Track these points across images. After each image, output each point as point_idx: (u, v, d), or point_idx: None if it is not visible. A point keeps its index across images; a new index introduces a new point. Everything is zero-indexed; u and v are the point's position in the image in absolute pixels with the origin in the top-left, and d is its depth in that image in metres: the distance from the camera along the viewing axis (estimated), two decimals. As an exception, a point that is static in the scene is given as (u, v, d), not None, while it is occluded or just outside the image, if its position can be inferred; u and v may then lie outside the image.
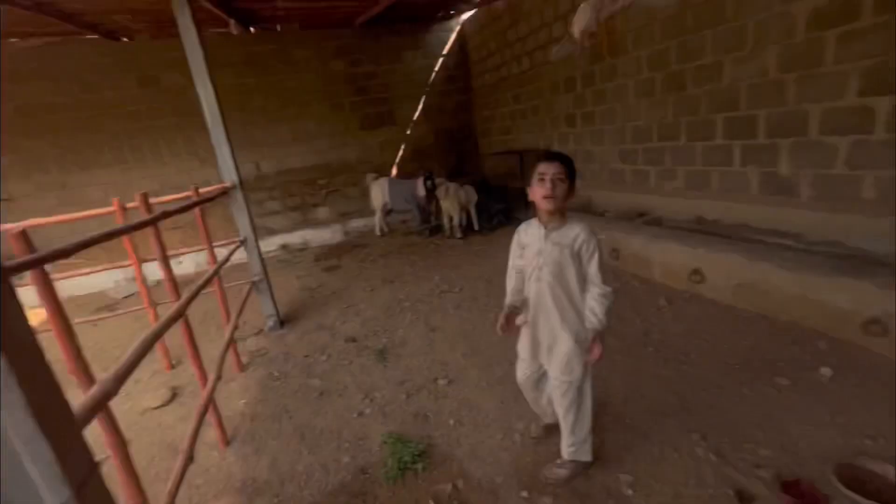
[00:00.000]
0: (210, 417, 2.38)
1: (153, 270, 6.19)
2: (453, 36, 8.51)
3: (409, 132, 8.64)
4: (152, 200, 3.63)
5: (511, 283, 1.94)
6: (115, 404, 2.98)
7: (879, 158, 2.98)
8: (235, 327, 3.01)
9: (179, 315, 1.92)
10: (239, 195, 3.66)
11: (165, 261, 2.10)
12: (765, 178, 3.75)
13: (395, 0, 5.83)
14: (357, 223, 7.45)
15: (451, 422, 2.41)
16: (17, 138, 6.46)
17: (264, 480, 2.16)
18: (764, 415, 2.11)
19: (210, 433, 2.48)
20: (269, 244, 6.99)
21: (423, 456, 2.15)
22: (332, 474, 2.15)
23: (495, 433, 2.27)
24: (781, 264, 2.82)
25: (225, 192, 3.60)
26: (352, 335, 3.68)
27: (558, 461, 1.94)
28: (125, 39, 6.73)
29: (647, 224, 4.41)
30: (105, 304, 5.62)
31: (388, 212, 7.34)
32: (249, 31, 7.13)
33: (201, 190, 3.25)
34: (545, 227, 1.79)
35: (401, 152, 8.68)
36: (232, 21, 5.92)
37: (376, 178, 7.22)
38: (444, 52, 8.53)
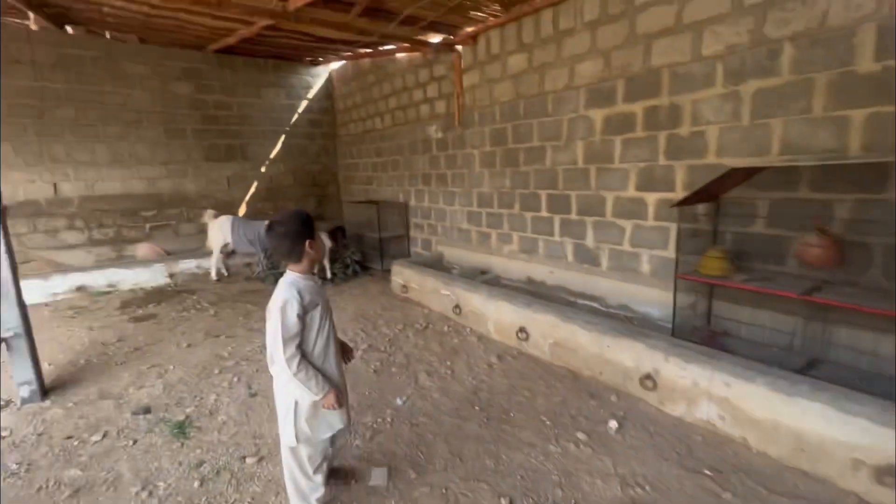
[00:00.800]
0: None
1: None
2: (321, 82, 8.47)
3: (263, 170, 8.08)
4: None
5: (314, 348, 1.77)
6: None
7: (651, 240, 3.73)
8: (-53, 405, 2.17)
9: None
10: (-6, 224, 2.82)
11: None
12: (577, 249, 4.39)
13: (251, 35, 5.54)
14: (188, 264, 6.46)
15: (252, 512, 2.04)
16: None
17: None
18: (564, 471, 2.27)
19: None
20: (59, 285, 5.56)
21: (202, 565, 1.74)
22: None
23: (302, 522, 1.98)
24: (584, 325, 3.23)
25: (-29, 219, 2.73)
26: (146, 405, 3.00)
27: None
28: None
29: (486, 283, 4.73)
30: None
31: (229, 253, 6.56)
32: (65, 29, 6.00)
33: None
34: (316, 281, 1.87)
35: (252, 190, 8.02)
36: (33, 15, 4.89)
37: (217, 216, 6.45)
38: (310, 95, 8.39)
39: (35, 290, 5.30)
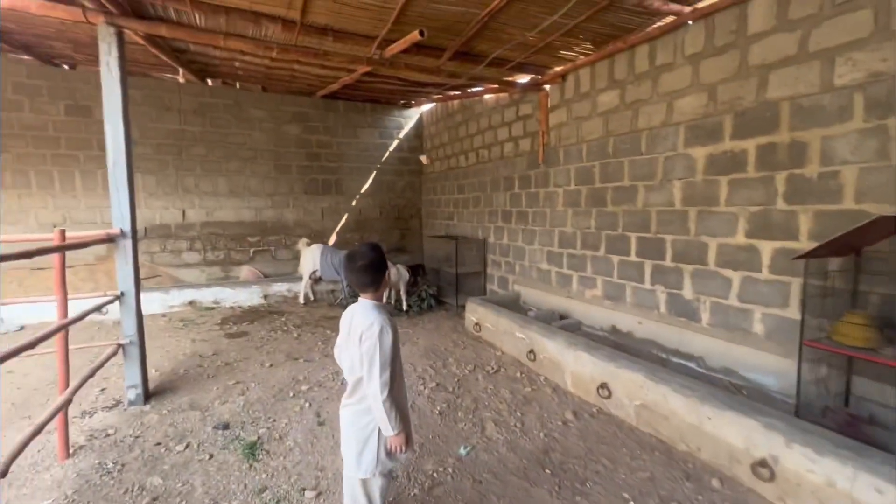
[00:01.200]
0: (-23, 528, 1.80)
1: (34, 313, 5.32)
2: (412, 122, 8.96)
3: (354, 203, 8.62)
4: (19, 237, 3.15)
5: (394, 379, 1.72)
6: None
7: (765, 295, 3.20)
8: (67, 402, 2.46)
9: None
10: (126, 244, 3.26)
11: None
12: (671, 299, 3.93)
13: (352, 82, 6.05)
14: (280, 287, 6.99)
15: (302, 553, 1.98)
16: None
17: None
18: (650, 569, 1.89)
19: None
20: (175, 299, 6.31)
21: None
22: None
23: (349, 574, 1.86)
24: (680, 389, 2.80)
25: (111, 240, 3.19)
26: (226, 420, 3.17)
27: None
28: (65, 66, 6.43)
29: (565, 329, 4.40)
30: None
31: (317, 280, 6.98)
32: (206, 82, 7.10)
33: (96, 233, 2.86)
34: (390, 311, 1.90)
35: (343, 221, 8.56)
36: (182, 70, 5.85)
37: (310, 244, 6.95)
38: (401, 135, 8.90)
39: (156, 302, 6.07)
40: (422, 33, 3.49)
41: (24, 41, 5.29)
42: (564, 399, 3.57)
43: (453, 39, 4.20)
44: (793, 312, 3.01)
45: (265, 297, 6.84)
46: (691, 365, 3.71)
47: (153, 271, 7.04)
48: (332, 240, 8.43)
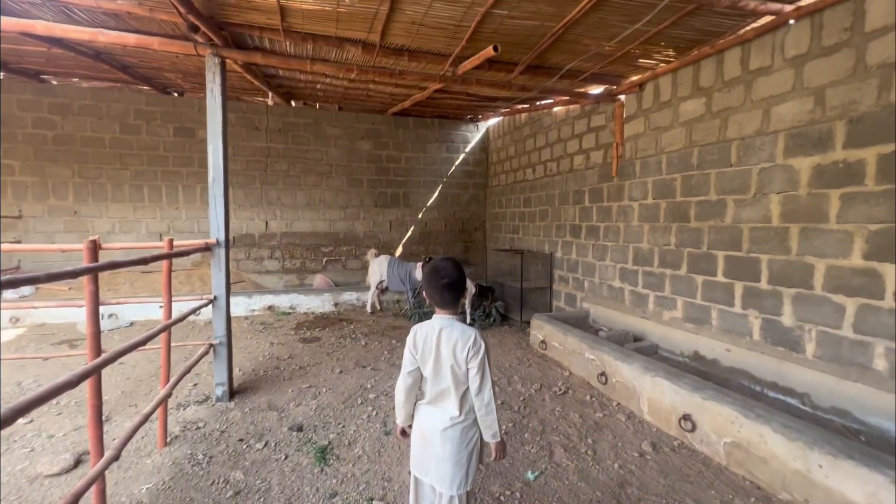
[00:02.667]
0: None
1: (140, 311, 6.02)
2: (478, 136, 9.04)
3: (420, 216, 8.82)
4: (133, 244, 3.58)
5: None
6: (7, 463, 2.64)
7: (889, 327, 2.76)
8: (168, 395, 2.72)
9: (83, 377, 1.69)
10: (221, 253, 3.58)
11: (94, 314, 1.92)
12: (767, 326, 3.53)
13: (422, 98, 6.22)
14: (350, 296, 7.29)
15: (370, 564, 1.99)
16: (44, 163, 6.78)
17: None
18: None
19: (90, 523, 2.09)
20: (256, 303, 6.81)
21: None
22: None
23: (416, 592, 1.84)
24: (782, 430, 2.48)
25: (207, 249, 3.52)
26: (300, 422, 3.32)
27: None
28: (175, 94, 7.30)
29: (640, 351, 4.11)
30: (69, 339, 5.36)
31: (383, 290, 7.20)
32: (290, 103, 7.70)
33: (196, 242, 3.18)
34: None
35: (409, 234, 8.78)
36: (271, 94, 6.39)
37: (377, 255, 7.20)
38: (467, 149, 9.00)
39: (240, 306, 6.59)
40: (495, 49, 3.51)
41: (144, 74, 6.09)
42: (640, 428, 3.32)
43: (526, 53, 4.18)
44: (927, 349, 2.57)
45: (335, 304, 7.16)
46: (793, 401, 3.29)
47: (238, 277, 7.67)
48: (399, 251, 8.67)
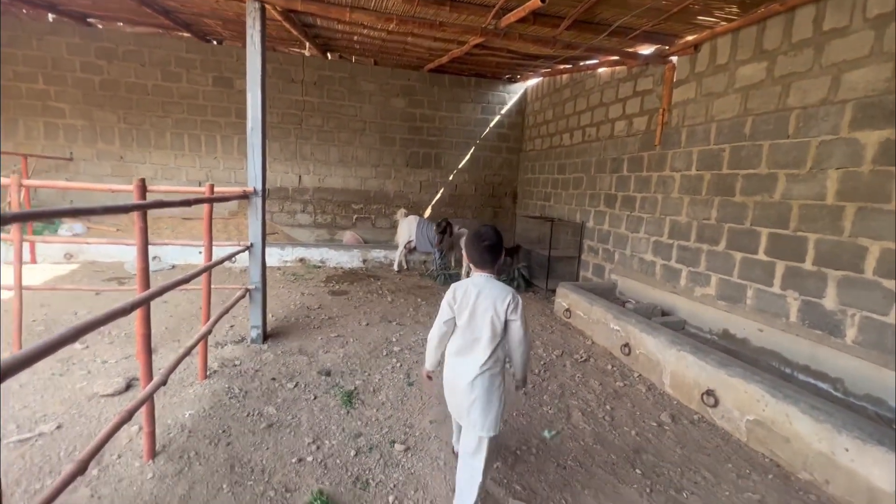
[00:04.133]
0: (145, 423, 2.22)
1: (181, 254, 6.33)
2: (515, 98, 8.72)
3: (451, 178, 8.74)
4: (175, 188, 3.71)
5: None
6: (68, 382, 2.91)
7: (944, 317, 2.61)
8: (208, 332, 2.90)
9: (134, 306, 1.81)
10: (257, 202, 3.68)
11: (143, 249, 2.04)
12: (806, 308, 3.40)
13: (460, 54, 6.00)
14: (378, 253, 7.41)
15: (391, 498, 2.12)
16: (92, 108, 7.01)
17: (170, 511, 1.94)
18: None
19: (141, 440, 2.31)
20: (289, 255, 7.03)
21: (344, 532, 1.88)
22: (243, 524, 1.91)
23: (433, 527, 1.97)
24: (809, 411, 2.43)
25: (245, 197, 3.62)
26: (328, 368, 3.49)
27: None
28: (214, 42, 7.31)
29: (667, 326, 4.05)
30: (117, 276, 5.73)
31: (411, 250, 7.28)
32: (326, 56, 7.59)
33: (235, 189, 3.28)
34: None
35: (438, 195, 8.75)
36: (308, 44, 6.30)
37: (407, 215, 7.23)
38: (503, 111, 8.73)
39: (274, 257, 6.83)
40: (542, 0, 3.31)
41: (184, 19, 6.10)
42: (660, 400, 3.33)
43: (574, 6, 3.93)
44: (983, 342, 2.42)
45: (364, 261, 7.32)
46: (824, 386, 3.21)
47: (272, 229, 7.90)
48: (428, 212, 8.68)
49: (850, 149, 3.11)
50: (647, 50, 4.97)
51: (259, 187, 3.68)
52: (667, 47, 4.70)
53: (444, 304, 1.95)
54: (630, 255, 5.46)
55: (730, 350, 3.80)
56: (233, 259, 6.33)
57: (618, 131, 5.72)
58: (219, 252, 3.51)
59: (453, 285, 1.97)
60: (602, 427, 2.91)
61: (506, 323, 1.86)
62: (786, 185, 3.56)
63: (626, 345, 3.92)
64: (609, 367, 3.87)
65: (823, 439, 2.34)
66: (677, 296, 4.62)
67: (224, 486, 2.12)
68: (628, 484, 2.35)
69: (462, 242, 6.13)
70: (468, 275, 2.30)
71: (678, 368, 3.33)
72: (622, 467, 2.49)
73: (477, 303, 1.86)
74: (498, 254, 1.95)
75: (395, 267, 7.17)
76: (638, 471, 2.46)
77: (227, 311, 3.25)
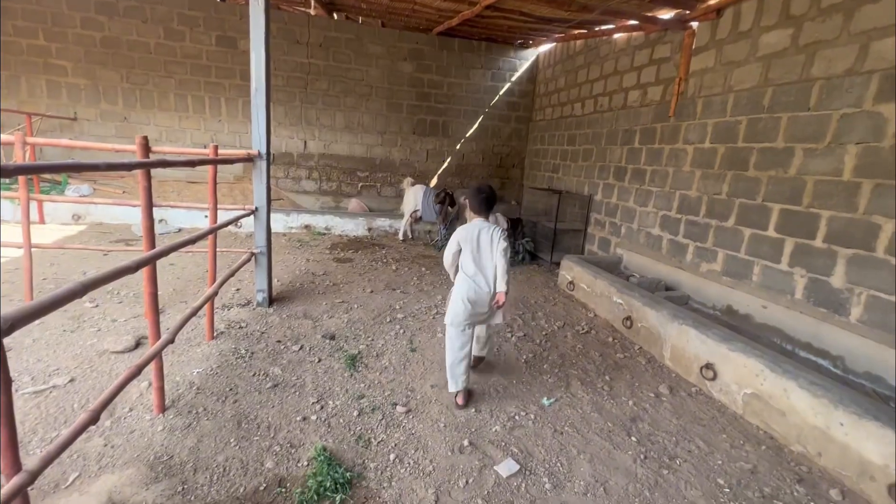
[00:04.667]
0: (154, 379, 2.28)
1: (187, 218, 6.35)
2: (526, 65, 8.45)
3: (458, 147, 8.60)
4: (182, 150, 3.67)
5: None
6: (80, 339, 2.98)
7: (953, 298, 2.58)
8: (214, 294, 2.93)
9: (140, 265, 1.82)
10: (262, 165, 3.64)
11: (148, 208, 2.03)
12: (813, 285, 3.37)
13: (471, 16, 5.77)
14: (383, 222, 7.40)
15: (392, 457, 2.20)
16: (95, 66, 6.87)
17: (180, 462, 2.02)
18: (740, 559, 1.78)
19: (152, 394, 2.38)
20: (294, 221, 7.03)
21: (346, 486, 1.95)
22: (249, 477, 1.99)
23: (431, 485, 2.04)
24: (807, 386, 2.45)
25: (249, 160, 3.58)
26: (332, 332, 3.55)
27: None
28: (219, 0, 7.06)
29: (671, 300, 4.05)
30: (124, 238, 5.78)
31: (417, 219, 7.25)
32: (332, 16, 7.34)
33: (239, 152, 3.23)
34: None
35: (445, 164, 8.64)
36: (313, 2, 6.08)
37: (413, 184, 7.17)
38: (514, 78, 8.48)
39: (279, 222, 6.83)
40: (559, -44, 3.14)
41: (186, -26, 5.87)
42: (660, 372, 3.37)
43: (592, -35, 3.73)
44: None
45: (369, 229, 7.31)
46: (824, 363, 3.22)
47: (276, 195, 7.87)
48: (434, 182, 8.59)
49: (873, 122, 2.99)
50: (666, 14, 4.75)
51: (263, 150, 3.64)
52: (688, 11, 4.48)
53: (452, 240, 2.69)
54: (637, 229, 5.41)
55: (732, 326, 3.81)
56: (238, 224, 6.34)
57: (631, 101, 5.55)
58: (224, 216, 3.50)
59: (459, 228, 2.70)
60: (600, 396, 2.96)
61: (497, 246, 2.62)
62: (802, 160, 3.46)
63: (629, 318, 3.94)
64: (610, 339, 3.90)
65: (820, 413, 2.36)
66: (682, 271, 4.59)
67: (231, 440, 2.20)
68: (623, 450, 2.40)
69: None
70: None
71: (679, 342, 3.35)
72: (618, 435, 2.54)
73: (480, 238, 2.64)
74: (492, 204, 2.72)
75: (401, 236, 7.17)
76: (633, 438, 2.52)
77: (232, 274, 3.28)
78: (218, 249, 3.35)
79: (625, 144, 5.66)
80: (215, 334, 3.27)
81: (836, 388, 2.42)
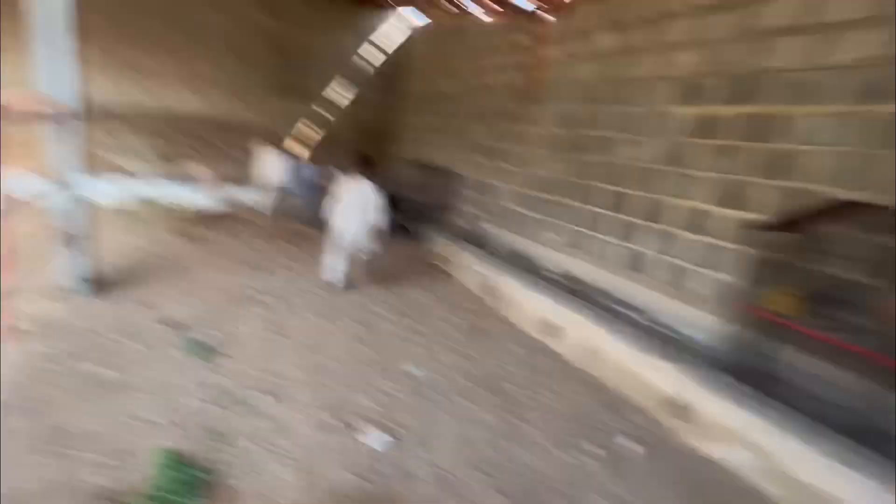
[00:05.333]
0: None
1: None
2: (402, 34, 8.23)
3: (325, 114, 8.10)
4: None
5: None
6: None
7: (715, 260, 3.40)
8: (15, 287, 2.34)
9: None
10: (71, 123, 2.94)
11: None
12: (629, 254, 4.11)
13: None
14: (237, 193, 6.64)
15: (257, 448, 2.09)
16: None
17: (-30, 500, 1.63)
18: (571, 484, 2.17)
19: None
20: (126, 192, 5.89)
21: (198, 488, 1.80)
22: (75, 499, 1.70)
23: (301, 468, 2.00)
24: (617, 334, 3.06)
25: (54, 115, 2.85)
26: (182, 321, 3.15)
27: None
28: None
29: (525, 270, 4.54)
30: None
31: (282, 193, 6.66)
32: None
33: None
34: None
35: (312, 133, 8.08)
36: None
37: (279, 155, 6.54)
38: (388, 47, 8.21)
39: (107, 194, 5.64)
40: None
41: None
42: (517, 336, 3.80)
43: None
44: (736, 278, 3.23)
45: (222, 201, 6.52)
46: (636, 316, 3.99)
47: (99, 160, 6.46)
48: (302, 154, 7.98)
49: (672, 123, 3.69)
50: (527, 5, 5.07)
51: (75, 104, 2.93)
52: (546, 4, 4.85)
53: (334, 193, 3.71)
54: (500, 205, 5.86)
55: (573, 290, 4.45)
56: (46, 195, 5.10)
57: (495, 82, 5.87)
58: (17, 187, 2.77)
59: (339, 182, 3.86)
60: (466, 361, 3.22)
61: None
62: (624, 148, 4.11)
63: (490, 286, 4.32)
64: (475, 307, 4.24)
65: (627, 356, 2.98)
66: (536, 243, 5.16)
67: (50, 460, 1.84)
68: (485, 408, 2.68)
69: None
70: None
71: (530, 306, 3.81)
72: (481, 395, 2.82)
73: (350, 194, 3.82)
74: (368, 167, 3.98)
75: (266, 210, 6.55)
76: (495, 397, 2.82)
77: (38, 261, 2.64)
78: (14, 229, 2.65)
79: (492, 125, 6.00)
80: (21, 335, 2.63)
81: (640, 335, 3.06)
